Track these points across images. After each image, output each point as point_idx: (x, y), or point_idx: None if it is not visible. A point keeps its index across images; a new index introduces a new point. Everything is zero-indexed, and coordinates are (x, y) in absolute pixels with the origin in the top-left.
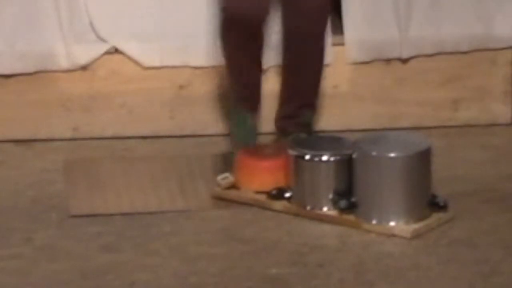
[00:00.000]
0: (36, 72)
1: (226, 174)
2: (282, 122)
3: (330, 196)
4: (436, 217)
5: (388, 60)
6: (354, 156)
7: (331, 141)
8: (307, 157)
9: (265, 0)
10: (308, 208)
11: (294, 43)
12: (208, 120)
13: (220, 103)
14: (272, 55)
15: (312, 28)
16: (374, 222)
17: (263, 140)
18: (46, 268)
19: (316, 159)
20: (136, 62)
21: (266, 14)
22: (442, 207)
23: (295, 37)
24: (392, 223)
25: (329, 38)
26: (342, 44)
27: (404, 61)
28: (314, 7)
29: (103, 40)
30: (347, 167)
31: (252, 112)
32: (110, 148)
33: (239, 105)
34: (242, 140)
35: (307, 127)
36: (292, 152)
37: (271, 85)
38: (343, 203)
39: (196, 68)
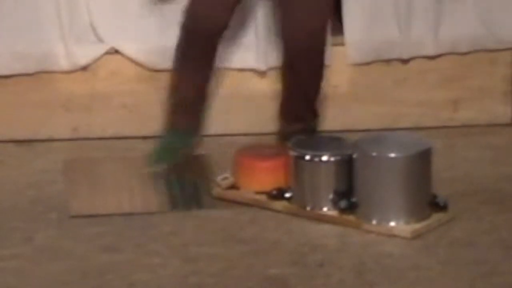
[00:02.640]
0: (36, 73)
1: (226, 175)
2: (286, 127)
3: (330, 196)
4: (436, 217)
5: (388, 61)
6: (354, 156)
7: (331, 141)
8: (307, 157)
9: (226, 14)
10: (308, 208)
11: (294, 45)
12: (207, 120)
13: (220, 103)
14: (273, 56)
15: (310, 44)
16: (374, 222)
17: (263, 140)
18: (46, 268)
19: (316, 159)
20: (136, 63)
21: (225, 28)
22: (443, 207)
23: (294, 53)
24: (392, 223)
25: (329, 39)
26: (342, 44)
27: (404, 61)
28: (313, 24)
29: (103, 40)
30: (347, 167)
31: (188, 132)
32: (110, 148)
33: (176, 122)
34: (157, 158)
35: (312, 132)
36: (292, 152)
37: (271, 86)
38: (343, 203)
39: None
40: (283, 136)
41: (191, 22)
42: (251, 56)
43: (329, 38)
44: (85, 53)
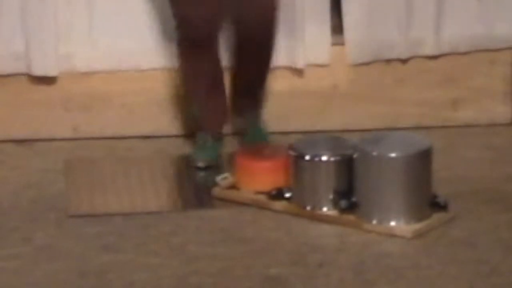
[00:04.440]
0: (36, 72)
1: (226, 175)
2: (239, 102)
3: (330, 196)
4: (436, 217)
5: (388, 60)
6: (354, 156)
7: (331, 141)
8: (307, 157)
9: (218, 17)
10: (308, 208)
11: (244, 41)
12: None
13: None
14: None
15: (260, 24)
16: (374, 222)
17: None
18: (46, 268)
19: (316, 159)
20: (137, 63)
21: (216, 28)
22: (443, 207)
23: (244, 35)
24: (392, 223)
25: (328, 38)
26: (342, 44)
27: (404, 61)
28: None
29: (103, 41)
30: (347, 167)
31: (214, 134)
32: (110, 148)
33: (203, 126)
34: (200, 157)
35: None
36: (292, 152)
37: (271, 85)
38: (343, 203)
39: None
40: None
41: (186, 29)
42: None
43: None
44: (85, 54)
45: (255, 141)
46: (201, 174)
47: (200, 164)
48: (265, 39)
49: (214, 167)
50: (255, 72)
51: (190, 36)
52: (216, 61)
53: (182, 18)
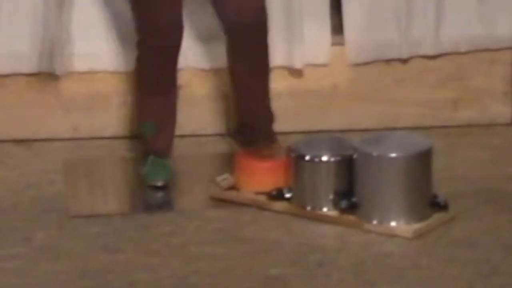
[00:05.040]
0: (36, 72)
1: (226, 175)
2: (245, 132)
3: (331, 196)
4: (436, 217)
5: (388, 60)
6: (354, 156)
7: (331, 141)
8: (307, 157)
9: (178, 19)
10: (309, 208)
11: (238, 49)
12: (208, 120)
13: (219, 104)
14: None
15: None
16: (375, 222)
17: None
18: (46, 268)
19: (317, 159)
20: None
21: (182, 32)
22: (443, 207)
23: (235, 36)
24: (393, 223)
25: (328, 38)
26: (342, 44)
27: (404, 61)
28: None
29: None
30: (347, 167)
31: (162, 152)
32: (110, 148)
33: (149, 147)
34: (151, 176)
35: (272, 137)
36: (292, 153)
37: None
38: (344, 203)
39: (195, 69)
40: (246, 144)
41: (152, 39)
42: None
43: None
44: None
45: None
46: (159, 194)
47: (158, 183)
48: (258, 44)
49: (170, 187)
50: (255, 83)
51: (156, 45)
52: (175, 75)
53: (150, 25)
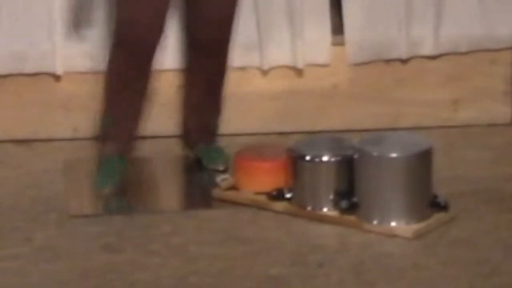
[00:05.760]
0: (36, 73)
1: (226, 175)
2: (192, 134)
3: (331, 196)
4: (436, 217)
5: (388, 60)
6: (355, 156)
7: (332, 141)
8: (308, 157)
9: (160, 20)
10: (309, 208)
11: (199, 53)
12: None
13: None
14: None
15: (216, 37)
16: (375, 222)
17: (262, 140)
18: (46, 268)
19: (317, 159)
20: None
21: (161, 34)
22: (443, 207)
23: (200, 46)
24: (393, 223)
25: (328, 38)
26: (342, 44)
27: (404, 61)
28: (219, 16)
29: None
30: (347, 168)
31: (122, 149)
32: None
33: (108, 146)
34: (100, 182)
35: (214, 135)
36: (292, 153)
37: (272, 85)
38: (344, 203)
39: None
40: (191, 144)
41: (130, 34)
42: (254, 54)
43: (329, 38)
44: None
45: (215, 162)
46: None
47: (105, 190)
48: (218, 52)
49: (118, 192)
50: (209, 90)
51: (134, 40)
52: (150, 71)
53: (126, 20)
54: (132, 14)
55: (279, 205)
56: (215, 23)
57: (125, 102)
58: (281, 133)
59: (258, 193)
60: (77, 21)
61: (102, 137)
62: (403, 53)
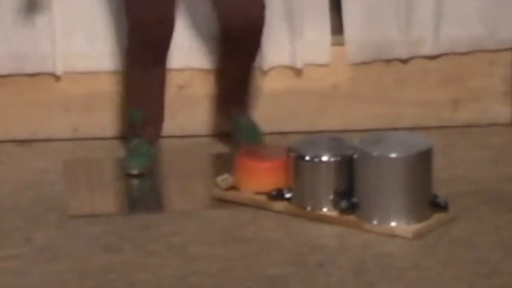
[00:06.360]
0: (36, 73)
1: (226, 175)
2: (229, 105)
3: (331, 196)
4: (436, 217)
5: (388, 60)
6: (354, 156)
7: (331, 141)
8: (307, 157)
9: (170, 13)
10: (309, 208)
11: (232, 42)
12: (208, 120)
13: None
14: (273, 56)
15: (249, 25)
16: (375, 222)
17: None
18: (46, 268)
19: (317, 159)
20: None
21: (173, 26)
22: (443, 207)
23: (233, 36)
24: (393, 224)
25: (328, 38)
26: (342, 44)
27: (404, 61)
28: (250, 4)
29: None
30: (347, 168)
31: (151, 139)
32: (110, 148)
33: (140, 131)
34: (134, 164)
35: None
36: (292, 153)
37: (271, 85)
38: (344, 203)
39: (195, 69)
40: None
41: (138, 31)
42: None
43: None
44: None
45: (249, 142)
46: (135, 181)
47: (134, 171)
48: (253, 39)
49: (148, 174)
50: (242, 73)
51: (146, 39)
52: (165, 66)
53: (136, 17)
54: (139, 10)
55: (279, 205)
56: (246, 10)
57: (149, 94)
58: (281, 133)
59: (258, 193)
60: (30, 5)
61: (131, 129)
62: (403, 53)
